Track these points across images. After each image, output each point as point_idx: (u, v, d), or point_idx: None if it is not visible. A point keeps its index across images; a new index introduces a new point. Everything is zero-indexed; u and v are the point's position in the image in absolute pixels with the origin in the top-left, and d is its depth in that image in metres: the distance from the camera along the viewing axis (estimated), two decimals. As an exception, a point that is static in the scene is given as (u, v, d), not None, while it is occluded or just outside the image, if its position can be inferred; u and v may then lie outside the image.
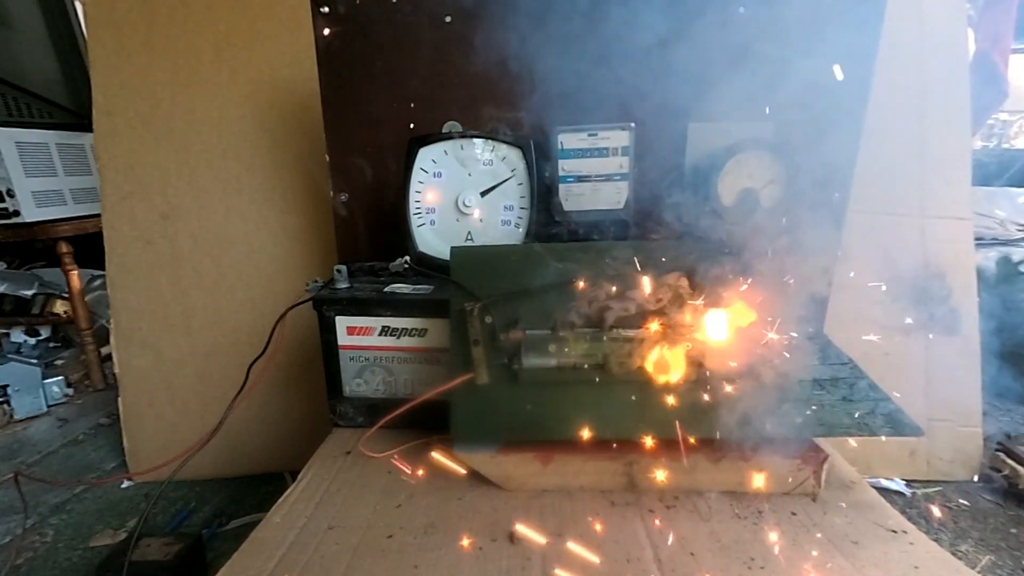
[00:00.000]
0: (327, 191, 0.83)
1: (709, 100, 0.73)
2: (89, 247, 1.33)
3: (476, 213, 0.75)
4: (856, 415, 0.56)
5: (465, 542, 0.51)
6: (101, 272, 1.48)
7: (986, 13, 1.39)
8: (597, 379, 0.59)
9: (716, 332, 0.59)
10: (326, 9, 0.75)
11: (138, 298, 1.08)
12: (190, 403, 1.10)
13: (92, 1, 1.03)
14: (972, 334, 1.05)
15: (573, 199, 0.77)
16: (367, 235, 0.83)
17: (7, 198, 1.31)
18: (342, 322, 0.70)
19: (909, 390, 1.05)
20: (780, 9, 0.72)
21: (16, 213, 1.32)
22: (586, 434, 0.58)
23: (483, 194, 0.75)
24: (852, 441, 0.72)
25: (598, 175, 0.76)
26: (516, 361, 0.60)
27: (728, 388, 0.57)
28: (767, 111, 0.73)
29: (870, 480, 0.96)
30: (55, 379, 1.44)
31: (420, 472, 0.62)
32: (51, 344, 1.62)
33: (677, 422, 0.56)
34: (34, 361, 1.47)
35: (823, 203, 0.73)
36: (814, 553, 0.49)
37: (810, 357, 0.60)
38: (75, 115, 1.58)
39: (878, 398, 0.58)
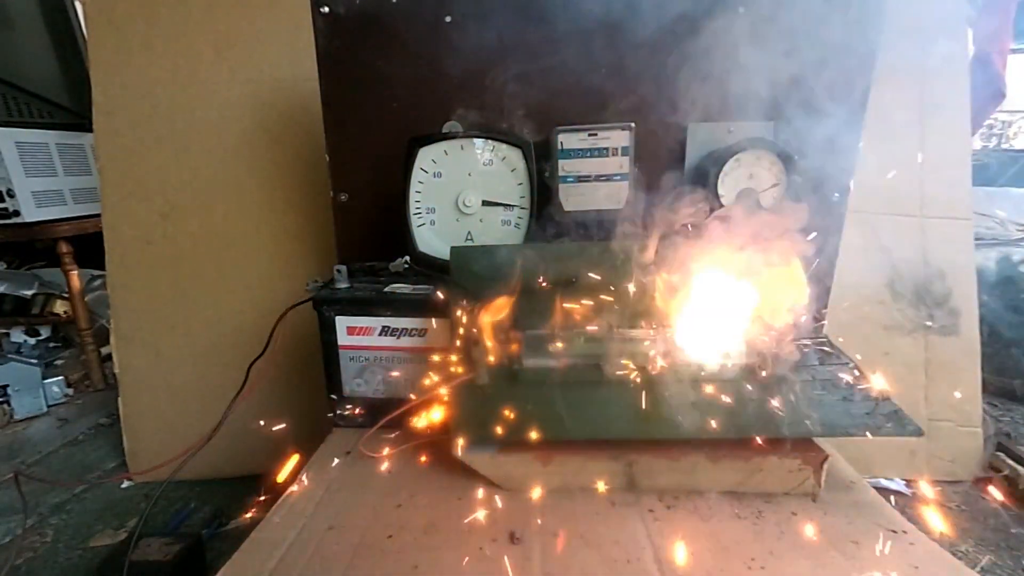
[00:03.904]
0: (327, 191, 0.83)
1: (708, 99, 0.73)
2: (89, 247, 1.33)
3: (476, 213, 0.75)
4: (856, 415, 0.56)
5: (465, 542, 0.51)
6: (101, 272, 1.48)
7: (985, 13, 1.39)
8: (597, 379, 0.59)
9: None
10: (326, 9, 0.75)
11: (138, 298, 1.08)
12: (190, 403, 1.10)
13: (92, 1, 1.03)
14: (972, 334, 1.05)
15: (573, 199, 0.77)
16: (367, 235, 0.83)
17: (7, 198, 1.31)
18: (342, 322, 0.70)
19: (909, 390, 1.05)
20: (780, 9, 0.72)
21: (16, 213, 1.32)
22: (586, 434, 0.58)
23: (485, 203, 0.75)
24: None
25: (598, 175, 0.76)
26: (516, 361, 0.60)
27: (728, 387, 0.58)
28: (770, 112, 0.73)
29: (870, 480, 0.96)
30: (55, 379, 1.44)
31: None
32: (51, 344, 1.62)
33: (678, 422, 0.56)
34: (34, 361, 1.47)
35: (823, 202, 0.73)
36: (814, 553, 0.49)
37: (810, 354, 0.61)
38: (75, 115, 1.58)
39: (878, 398, 0.58)
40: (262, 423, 0.82)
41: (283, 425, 0.84)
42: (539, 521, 0.54)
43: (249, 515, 0.93)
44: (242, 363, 0.77)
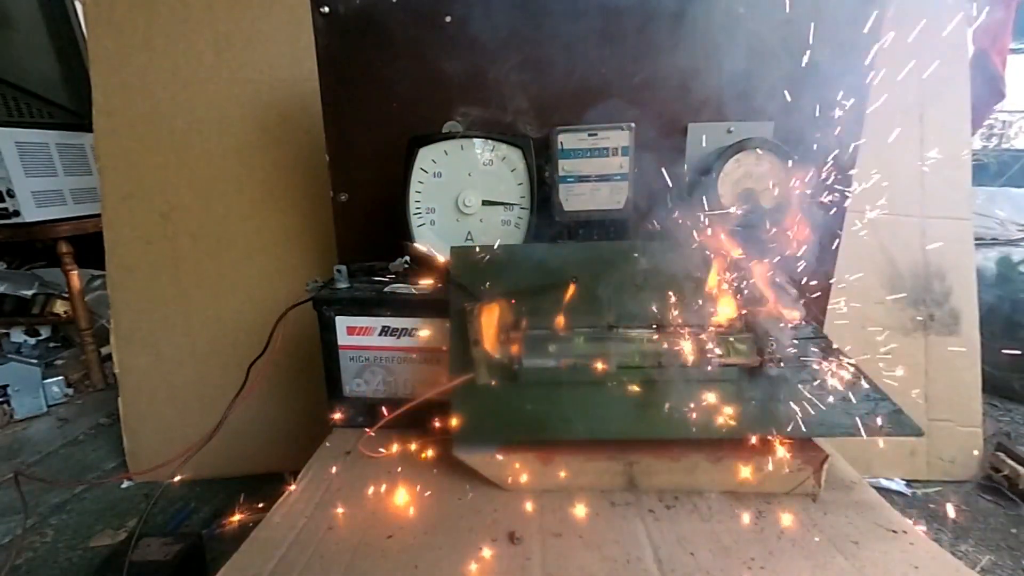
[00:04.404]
0: (327, 191, 0.83)
1: (707, 98, 0.74)
2: (89, 247, 1.33)
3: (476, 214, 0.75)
4: (856, 415, 0.56)
5: (465, 542, 0.51)
6: (101, 272, 1.48)
7: (984, 13, 1.39)
8: (597, 379, 0.59)
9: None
10: (326, 9, 0.75)
11: (138, 298, 1.08)
12: (190, 403, 1.10)
13: (92, 1, 1.03)
14: (972, 334, 1.05)
15: (573, 199, 0.77)
16: (367, 235, 0.83)
17: (7, 198, 1.31)
18: (342, 322, 0.69)
19: (909, 390, 1.05)
20: (781, 8, 0.72)
21: (16, 213, 1.32)
22: (586, 434, 0.57)
23: (485, 203, 0.75)
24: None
25: (598, 175, 0.76)
26: (516, 361, 0.60)
27: (728, 386, 0.58)
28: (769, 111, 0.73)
29: (870, 480, 0.96)
30: (55, 379, 1.44)
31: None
32: (51, 344, 1.62)
33: (678, 422, 0.56)
34: (34, 361, 1.47)
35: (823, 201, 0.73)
36: (814, 553, 0.49)
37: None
38: (75, 115, 1.58)
39: (878, 398, 0.58)
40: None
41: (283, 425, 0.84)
42: (539, 521, 0.54)
43: (247, 516, 0.93)
44: (242, 363, 0.77)
